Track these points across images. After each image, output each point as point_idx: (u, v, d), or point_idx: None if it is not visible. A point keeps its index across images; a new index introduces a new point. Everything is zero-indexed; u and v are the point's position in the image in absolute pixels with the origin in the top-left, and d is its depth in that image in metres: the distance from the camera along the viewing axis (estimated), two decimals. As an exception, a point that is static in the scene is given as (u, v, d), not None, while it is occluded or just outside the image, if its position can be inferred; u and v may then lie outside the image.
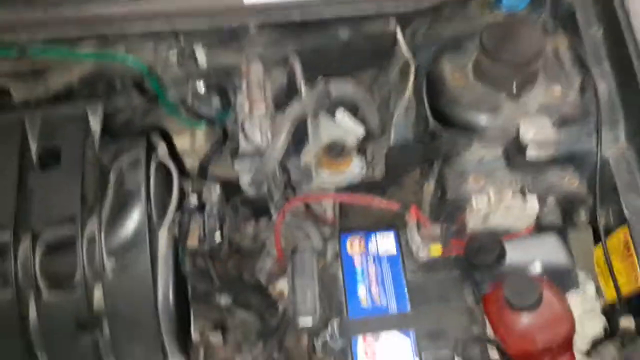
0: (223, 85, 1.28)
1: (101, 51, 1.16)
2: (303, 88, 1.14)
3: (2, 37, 1.12)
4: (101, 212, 1.02)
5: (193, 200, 1.13)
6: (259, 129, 1.13)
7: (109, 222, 1.02)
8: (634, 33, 1.09)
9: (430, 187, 1.26)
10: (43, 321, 0.99)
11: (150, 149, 1.10)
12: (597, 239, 1.13)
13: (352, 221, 1.32)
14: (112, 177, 1.06)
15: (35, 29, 1.10)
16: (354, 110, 1.43)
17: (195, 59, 1.18)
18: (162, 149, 1.18)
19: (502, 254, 1.05)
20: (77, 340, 1.00)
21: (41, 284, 1.00)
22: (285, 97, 1.36)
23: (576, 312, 1.01)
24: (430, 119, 1.25)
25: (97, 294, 1.02)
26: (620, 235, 1.05)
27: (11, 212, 1.00)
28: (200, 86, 1.24)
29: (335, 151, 1.29)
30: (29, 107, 1.19)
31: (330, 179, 1.31)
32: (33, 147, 1.08)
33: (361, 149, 1.30)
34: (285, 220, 1.28)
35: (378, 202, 1.18)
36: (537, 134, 1.08)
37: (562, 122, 1.13)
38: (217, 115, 1.35)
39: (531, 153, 1.08)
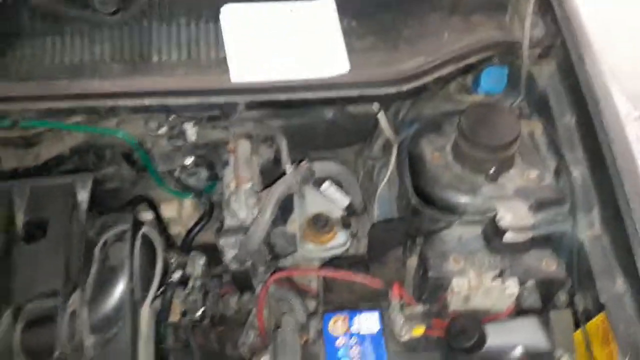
0: (211, 159, 1.31)
1: (92, 124, 1.18)
2: (288, 168, 1.17)
3: None
4: (84, 287, 1.02)
5: (176, 275, 1.13)
6: (245, 205, 1.15)
7: (92, 297, 1.02)
8: (604, 122, 1.13)
9: (412, 263, 1.28)
10: (21, 402, 0.97)
11: (137, 224, 1.10)
12: (577, 322, 1.14)
13: (336, 295, 1.32)
14: (97, 252, 1.06)
15: (28, 101, 1.12)
16: (338, 184, 1.46)
17: (185, 135, 1.20)
18: (148, 221, 1.19)
19: (482, 339, 1.05)
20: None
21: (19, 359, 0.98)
22: (272, 169, 1.39)
23: (558, 397, 1.01)
24: (412, 196, 1.28)
25: (77, 370, 1.01)
26: (598, 322, 1.06)
27: (-7, 286, 1.00)
28: (189, 160, 1.27)
29: (320, 223, 1.31)
30: (17, 175, 1.20)
31: (315, 252, 1.33)
32: (19, 218, 1.08)
33: (345, 222, 1.32)
34: (269, 291, 1.28)
35: (361, 279, 1.19)
36: (514, 219, 1.11)
37: (539, 206, 1.17)
38: (204, 187, 1.37)
39: (508, 237, 1.11)
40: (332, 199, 1.40)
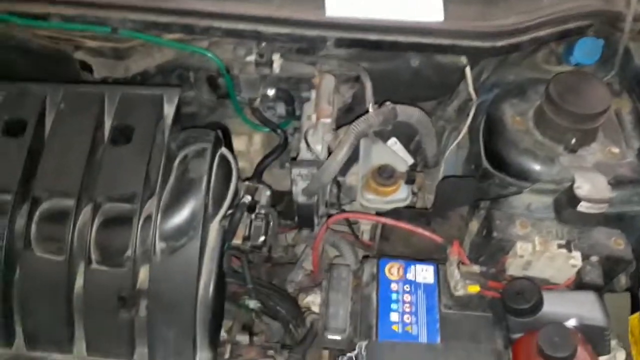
0: (291, 94, 1.32)
1: (185, 42, 1.22)
2: (371, 106, 1.17)
3: (97, 13, 1.18)
4: (161, 195, 1.06)
5: (246, 199, 1.16)
6: (322, 139, 1.17)
7: (167, 205, 1.05)
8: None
9: (474, 226, 1.28)
10: (87, 291, 1.02)
11: (217, 143, 1.13)
12: (634, 306, 1.13)
13: (391, 246, 1.34)
14: (177, 163, 1.09)
15: (128, 11, 1.16)
16: (407, 142, 1.46)
17: (272, 65, 1.22)
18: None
19: (539, 303, 1.05)
20: (115, 315, 1.02)
21: (93, 254, 1.03)
22: (344, 116, 1.40)
23: (604, 379, 1.00)
24: (484, 160, 1.27)
25: (143, 273, 1.05)
26: (658, 307, 1.05)
27: (78, 180, 1.04)
28: (271, 90, 1.28)
29: (385, 174, 1.32)
30: (108, 84, 1.24)
31: (374, 202, 1.34)
32: (108, 122, 1.12)
33: (410, 177, 1.32)
34: (325, 235, 1.30)
35: (422, 232, 1.20)
36: (592, 190, 1.09)
37: (616, 183, 1.14)
38: (278, 122, 1.39)
39: (583, 208, 1.09)
40: (398, 156, 1.40)
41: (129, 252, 1.03)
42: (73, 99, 1.14)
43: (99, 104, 1.13)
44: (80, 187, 1.05)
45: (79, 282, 1.04)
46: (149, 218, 1.05)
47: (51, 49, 1.35)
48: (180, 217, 1.05)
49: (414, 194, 1.39)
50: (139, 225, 1.04)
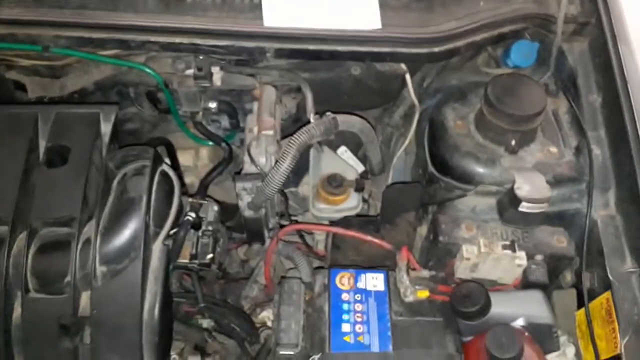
0: (233, 106, 1.31)
1: (122, 58, 1.19)
2: (312, 116, 1.17)
3: (28, 31, 1.14)
4: (100, 217, 1.02)
5: (190, 216, 1.14)
6: (265, 152, 1.16)
7: (106, 227, 1.02)
8: (632, 103, 1.13)
9: (423, 230, 1.29)
10: (26, 320, 0.98)
11: (157, 160, 1.10)
12: (580, 302, 1.15)
13: (343, 255, 1.33)
14: (115, 183, 1.06)
15: (61, 28, 1.12)
16: (356, 149, 1.47)
17: (211, 78, 1.20)
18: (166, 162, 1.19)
19: (487, 305, 1.06)
20: (58, 343, 0.98)
21: (30, 282, 0.98)
22: (291, 126, 1.39)
23: (556, 375, 1.02)
24: (429, 165, 1.28)
25: (85, 299, 1.01)
26: (603, 300, 1.07)
27: (12, 205, 1.00)
28: (213, 103, 1.27)
29: (334, 183, 1.32)
30: (43, 104, 1.20)
31: (326, 211, 1.34)
32: (42, 143, 1.08)
33: (359, 185, 1.33)
34: (277, 248, 1.29)
35: (371, 239, 1.20)
36: (532, 190, 1.11)
37: (556, 181, 1.17)
38: (224, 135, 1.37)
39: (524, 208, 1.11)
40: (347, 164, 1.41)
41: (68, 278, 0.99)
42: (5, 120, 1.10)
43: (32, 124, 1.08)
44: (14, 212, 1.00)
45: (17, 311, 0.99)
46: (87, 241, 1.02)
47: (-18, 70, 1.31)
48: (121, 238, 1.02)
49: (364, 201, 1.39)
50: (78, 250, 1.01)
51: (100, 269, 1.00)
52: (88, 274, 1.00)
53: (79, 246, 1.01)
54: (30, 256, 0.99)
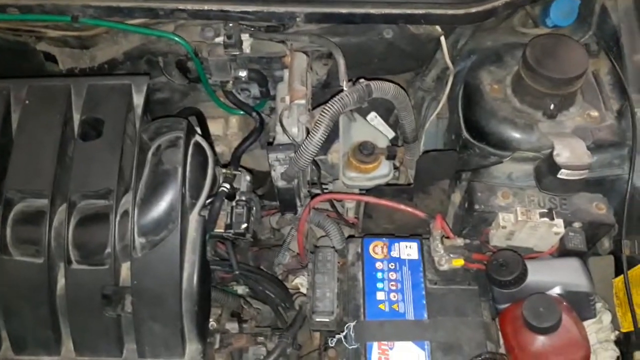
0: (264, 74, 1.29)
1: (150, 27, 1.17)
2: (345, 84, 1.14)
3: (56, 2, 1.13)
4: (137, 189, 1.03)
5: (225, 187, 1.14)
6: (297, 121, 1.14)
7: (143, 199, 1.03)
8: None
9: (457, 197, 1.27)
10: (70, 291, 1.01)
11: (190, 132, 1.10)
12: (618, 269, 1.13)
13: (375, 224, 1.33)
14: (150, 155, 1.06)
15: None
16: (386, 114, 1.44)
17: (241, 46, 1.18)
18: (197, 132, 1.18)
19: (523, 274, 1.06)
20: (100, 313, 1.01)
21: (72, 254, 1.01)
22: (320, 93, 1.37)
23: (591, 341, 1.01)
24: (464, 130, 1.25)
25: (125, 270, 1.04)
26: (643, 268, 1.06)
27: (50, 179, 1.01)
28: (243, 72, 1.25)
29: (366, 151, 1.30)
30: (74, 76, 1.20)
31: (356, 180, 1.32)
32: (76, 116, 1.08)
33: (391, 153, 1.31)
34: (308, 217, 1.29)
35: (405, 208, 1.19)
36: (571, 156, 1.08)
37: (596, 147, 1.14)
38: (253, 104, 1.36)
39: (563, 175, 1.09)
40: (378, 131, 1.38)
41: (108, 249, 1.01)
42: (38, 94, 1.10)
43: (65, 97, 1.09)
44: (53, 186, 1.02)
45: (61, 283, 1.03)
46: (125, 213, 1.03)
47: (12, 42, 1.30)
48: (158, 210, 1.03)
49: (396, 168, 1.38)
50: (116, 222, 1.02)
51: (139, 240, 1.02)
52: (127, 246, 1.02)
53: (117, 218, 1.02)
54: (71, 228, 1.01)
